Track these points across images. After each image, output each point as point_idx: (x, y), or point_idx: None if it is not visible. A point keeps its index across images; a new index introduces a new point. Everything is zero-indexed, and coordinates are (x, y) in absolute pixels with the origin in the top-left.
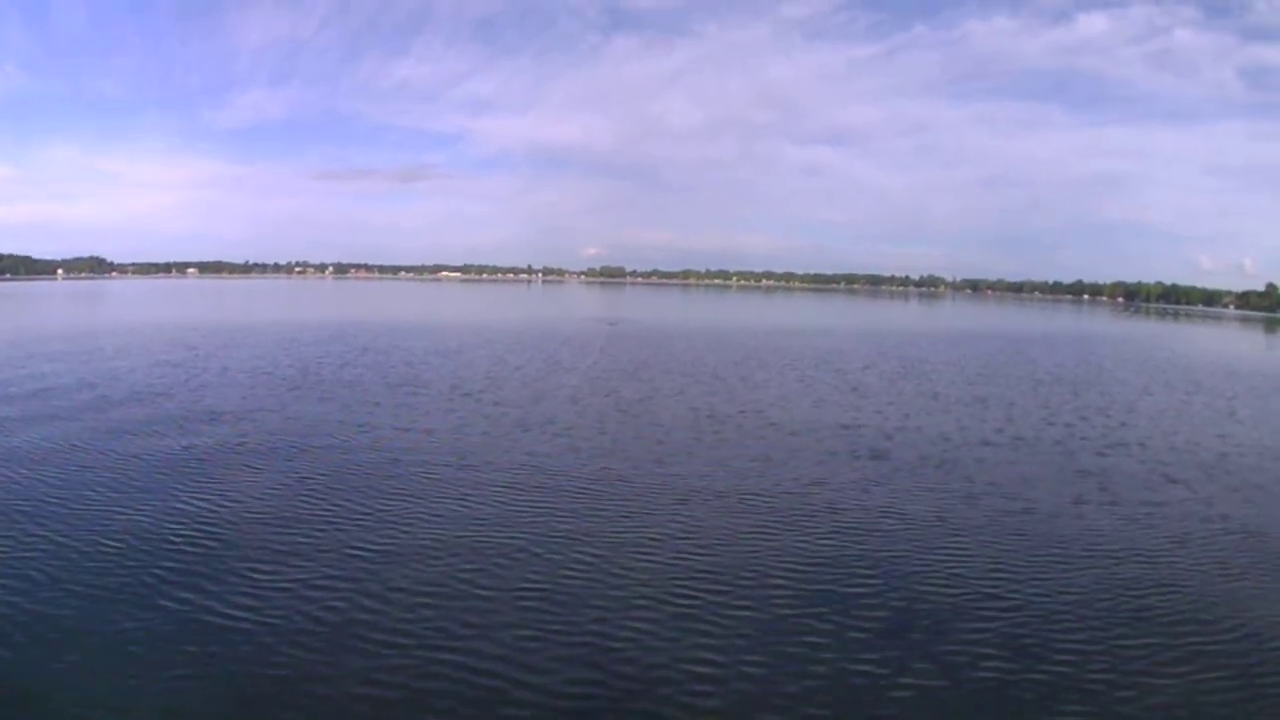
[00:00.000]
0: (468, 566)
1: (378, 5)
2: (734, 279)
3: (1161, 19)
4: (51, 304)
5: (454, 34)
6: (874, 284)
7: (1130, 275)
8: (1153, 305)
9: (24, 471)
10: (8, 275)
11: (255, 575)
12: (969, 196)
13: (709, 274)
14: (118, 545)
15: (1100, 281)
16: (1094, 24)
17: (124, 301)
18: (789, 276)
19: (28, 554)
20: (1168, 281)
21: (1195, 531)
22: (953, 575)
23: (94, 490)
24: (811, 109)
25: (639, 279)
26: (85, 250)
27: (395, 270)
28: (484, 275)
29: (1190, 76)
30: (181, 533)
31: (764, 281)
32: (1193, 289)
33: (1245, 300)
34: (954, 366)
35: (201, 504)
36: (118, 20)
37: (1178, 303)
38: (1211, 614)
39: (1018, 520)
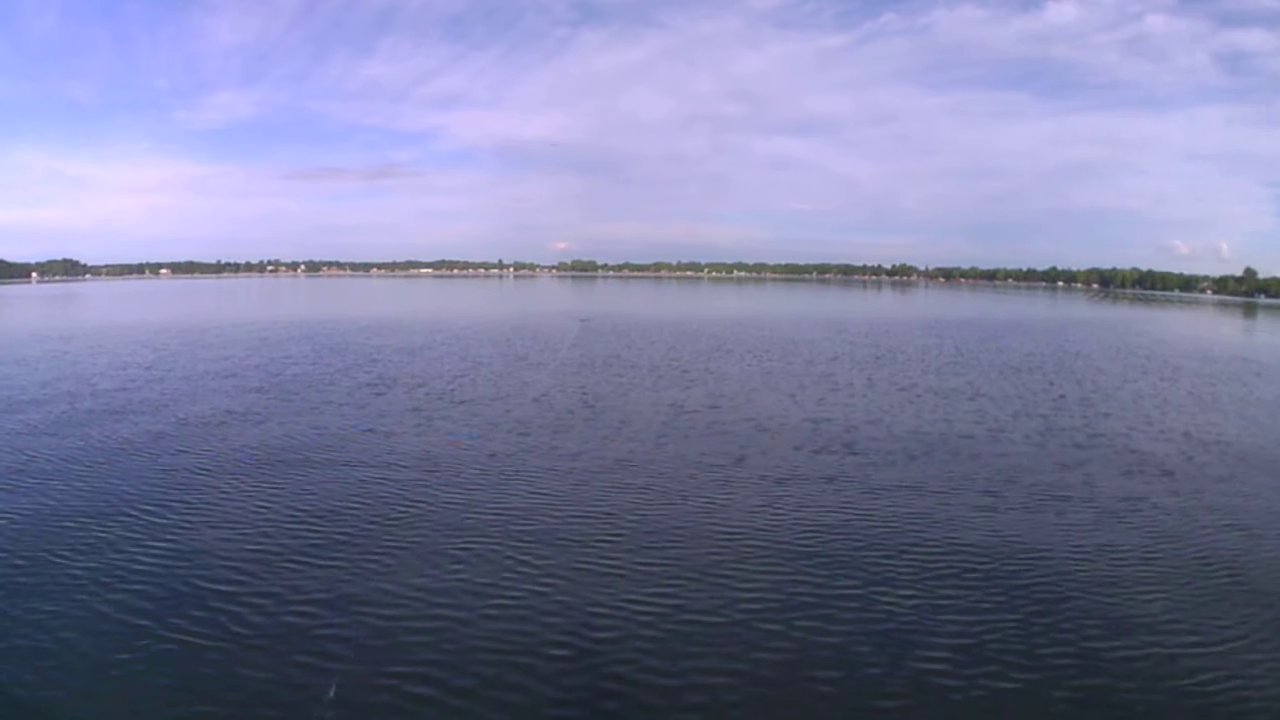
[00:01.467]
0: (429, 569)
1: (344, 4)
2: (706, 271)
3: (1133, 5)
4: (23, 307)
5: (421, 32)
6: (846, 274)
7: (1106, 262)
8: (1128, 291)
9: None
10: None
11: (219, 588)
12: (942, 185)
13: (680, 266)
14: (67, 554)
15: (1075, 268)
16: (1064, 11)
17: (96, 303)
18: (761, 267)
19: None
20: (1144, 268)
21: (1179, 526)
22: (921, 578)
23: (49, 495)
24: (781, 100)
25: (611, 272)
26: (59, 253)
27: (367, 268)
28: (456, 271)
29: (1164, 63)
30: (133, 537)
31: (736, 273)
32: (1169, 275)
33: (1223, 285)
34: (925, 355)
35: (156, 510)
36: (87, 23)
37: (1154, 288)
38: (1200, 614)
39: (993, 518)
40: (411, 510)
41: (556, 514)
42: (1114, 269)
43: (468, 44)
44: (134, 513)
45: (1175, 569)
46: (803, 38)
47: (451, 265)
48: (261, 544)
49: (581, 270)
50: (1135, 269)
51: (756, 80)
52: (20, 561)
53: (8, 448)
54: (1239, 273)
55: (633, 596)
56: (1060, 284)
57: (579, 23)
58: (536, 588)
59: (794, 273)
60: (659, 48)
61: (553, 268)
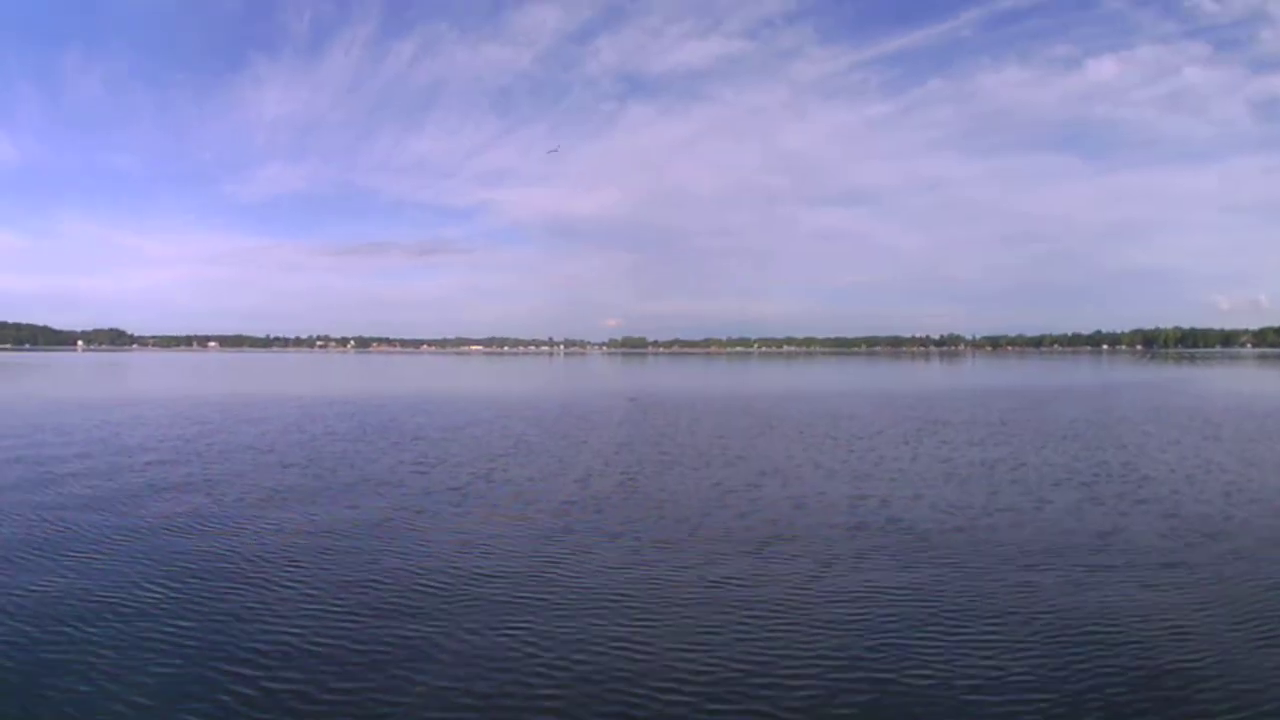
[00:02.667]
0: (467, 652)
1: (391, 79)
2: (755, 346)
3: (1171, 58)
4: (68, 375)
5: (469, 106)
6: (895, 345)
7: (1148, 321)
8: (1171, 350)
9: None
10: (28, 345)
11: (246, 672)
12: (987, 252)
13: (730, 342)
14: (95, 632)
15: (1119, 330)
16: (1104, 69)
17: (141, 374)
18: (810, 341)
19: None
20: (1185, 325)
21: (1222, 590)
22: (959, 653)
23: (75, 572)
24: (828, 170)
25: (661, 349)
26: (105, 322)
27: (418, 344)
28: (506, 348)
29: (1201, 114)
30: (162, 617)
31: (785, 347)
32: (1210, 331)
33: (1262, 337)
34: (969, 425)
35: (184, 591)
36: (132, 94)
37: (1195, 345)
38: (1242, 678)
39: (1033, 592)
40: (448, 591)
41: (591, 595)
42: (1156, 329)
43: (515, 119)
44: (162, 593)
45: (1218, 632)
46: (849, 107)
47: (502, 342)
48: (291, 632)
49: (632, 347)
50: (1177, 328)
51: (803, 151)
52: (51, 639)
53: (39, 520)
54: (1278, 324)
55: (669, 679)
56: (1105, 347)
57: (626, 96)
58: (574, 664)
59: (843, 346)
60: (706, 121)
61: (603, 344)
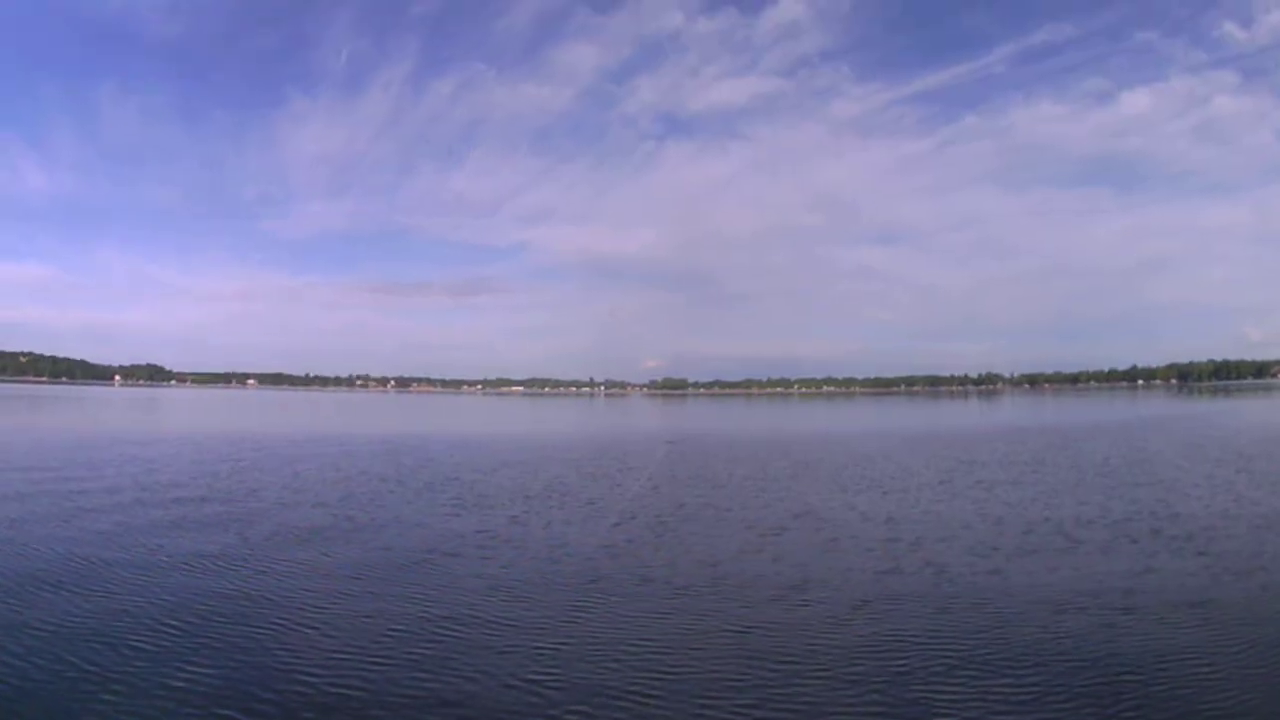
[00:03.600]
0: (497, 694)
1: (430, 117)
2: (795, 386)
3: (1201, 88)
4: (104, 409)
5: (510, 146)
6: (933, 384)
7: (1183, 355)
8: (1205, 384)
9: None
10: (65, 379)
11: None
12: (1024, 288)
13: (770, 383)
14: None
15: (1154, 365)
16: (1137, 101)
17: (178, 410)
18: (849, 381)
19: None
20: (1219, 357)
21: (1255, 639)
22: (990, 699)
23: (95, 606)
24: (864, 209)
25: (701, 390)
26: (143, 357)
27: (458, 384)
28: (547, 390)
29: (1231, 144)
30: (183, 658)
31: (824, 388)
32: (1242, 363)
33: None
34: (1004, 464)
35: (204, 632)
36: (169, 129)
37: (1229, 378)
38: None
39: (1065, 635)
40: (474, 639)
41: (618, 644)
42: (1190, 363)
43: (555, 157)
44: (180, 634)
45: (1252, 676)
46: (885, 145)
47: (543, 383)
48: (311, 678)
49: (672, 389)
50: (1211, 360)
51: (840, 189)
52: (64, 677)
53: (60, 555)
54: None
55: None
56: (1140, 382)
57: (664, 136)
58: (597, 717)
59: (882, 386)
60: (744, 159)
61: (643, 386)
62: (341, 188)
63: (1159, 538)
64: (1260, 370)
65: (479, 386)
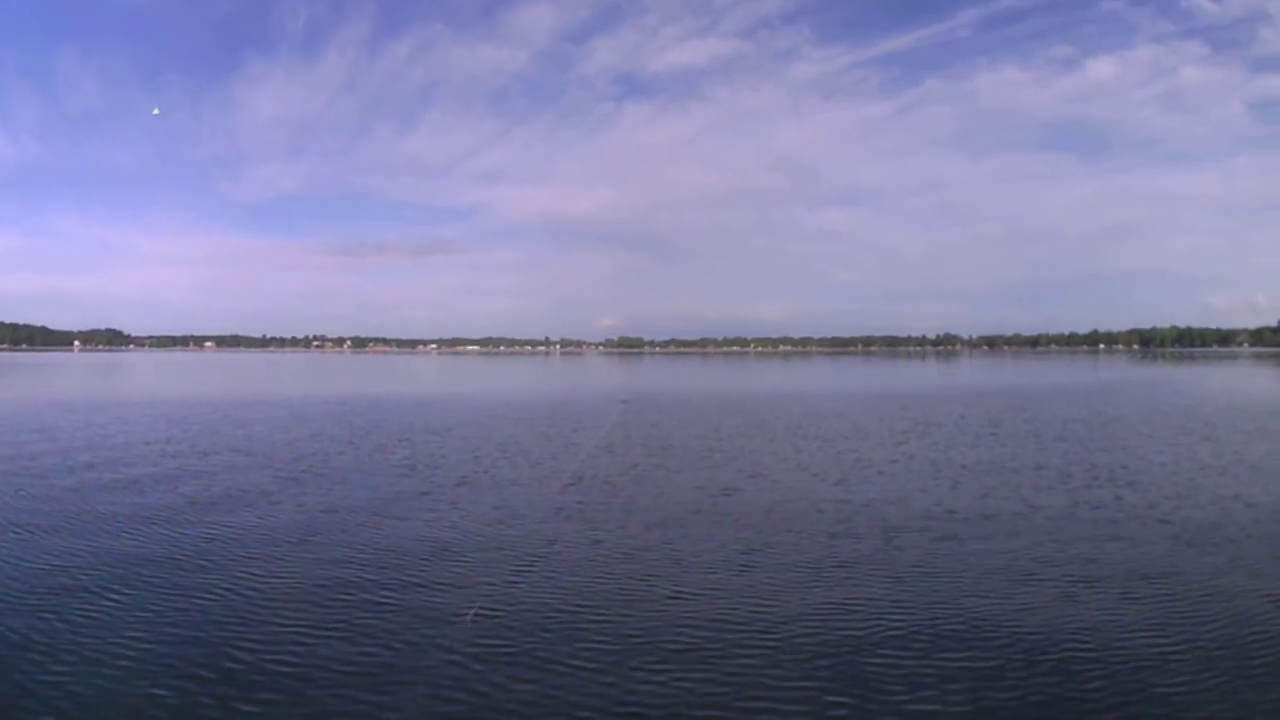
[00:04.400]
0: (442, 657)
1: (387, 78)
2: (752, 346)
3: (1168, 58)
4: (61, 376)
5: (465, 107)
6: (891, 345)
7: (1145, 321)
8: (1168, 350)
9: None
10: (25, 346)
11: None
12: (985, 252)
13: (727, 342)
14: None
15: (1116, 330)
16: (1103, 69)
17: (134, 374)
18: (806, 341)
19: None
20: (1182, 325)
21: (1213, 612)
22: (942, 666)
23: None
24: (825, 171)
25: (657, 349)
26: (102, 322)
27: (414, 344)
28: (503, 348)
29: (1199, 114)
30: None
31: (781, 347)
32: (1206, 330)
33: (1259, 337)
34: (960, 426)
35: (141, 592)
36: (127, 93)
37: (1192, 345)
38: (1234, 689)
39: (1022, 606)
40: (418, 601)
41: (563, 606)
42: (1153, 328)
43: (511, 119)
44: (124, 597)
45: (1210, 648)
46: (845, 107)
47: (498, 342)
48: (246, 646)
49: (628, 347)
50: (1174, 327)
51: (800, 152)
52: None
53: (4, 521)
54: (1274, 323)
55: (634, 692)
56: (1102, 346)
57: (622, 97)
58: (539, 677)
59: (839, 345)
60: (703, 121)
61: (599, 344)
62: (298, 150)
63: (1120, 505)
64: (1225, 339)
65: (434, 346)
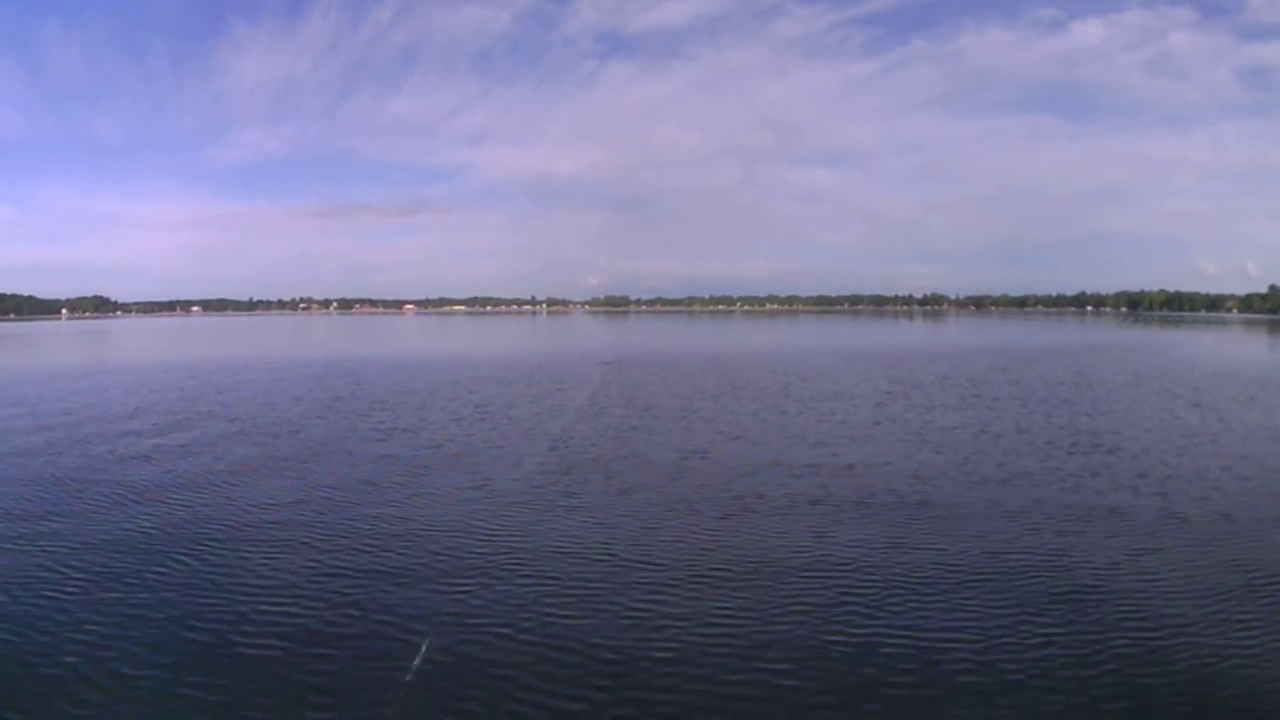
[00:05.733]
0: (433, 615)
1: (369, 40)
2: (738, 304)
3: (1157, 22)
4: (47, 344)
5: (448, 68)
6: (878, 304)
7: (1133, 284)
8: (1156, 313)
9: None
10: (12, 315)
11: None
12: (971, 213)
13: (713, 300)
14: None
15: (1103, 292)
16: (1090, 31)
17: (119, 341)
18: (793, 300)
19: None
20: (1170, 289)
21: (1191, 565)
22: (921, 619)
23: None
24: (810, 130)
25: (643, 307)
26: (89, 290)
27: (400, 305)
28: (489, 308)
29: (1187, 80)
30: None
31: (768, 306)
32: (1195, 295)
33: (1248, 304)
34: (944, 386)
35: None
36: (112, 62)
37: (1181, 309)
38: (1221, 681)
39: (996, 571)
40: (406, 558)
41: (547, 558)
42: (1142, 291)
43: (495, 79)
44: (100, 561)
45: (1187, 601)
46: (830, 66)
47: (484, 302)
48: (223, 608)
49: (614, 306)
50: (1163, 290)
51: (785, 111)
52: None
53: None
54: (1264, 290)
55: (613, 648)
56: (1089, 308)
57: (606, 55)
58: (516, 633)
59: (826, 304)
60: (687, 80)
61: (585, 303)
62: (282, 114)
63: (1107, 474)
64: (1214, 303)
65: (411, 307)
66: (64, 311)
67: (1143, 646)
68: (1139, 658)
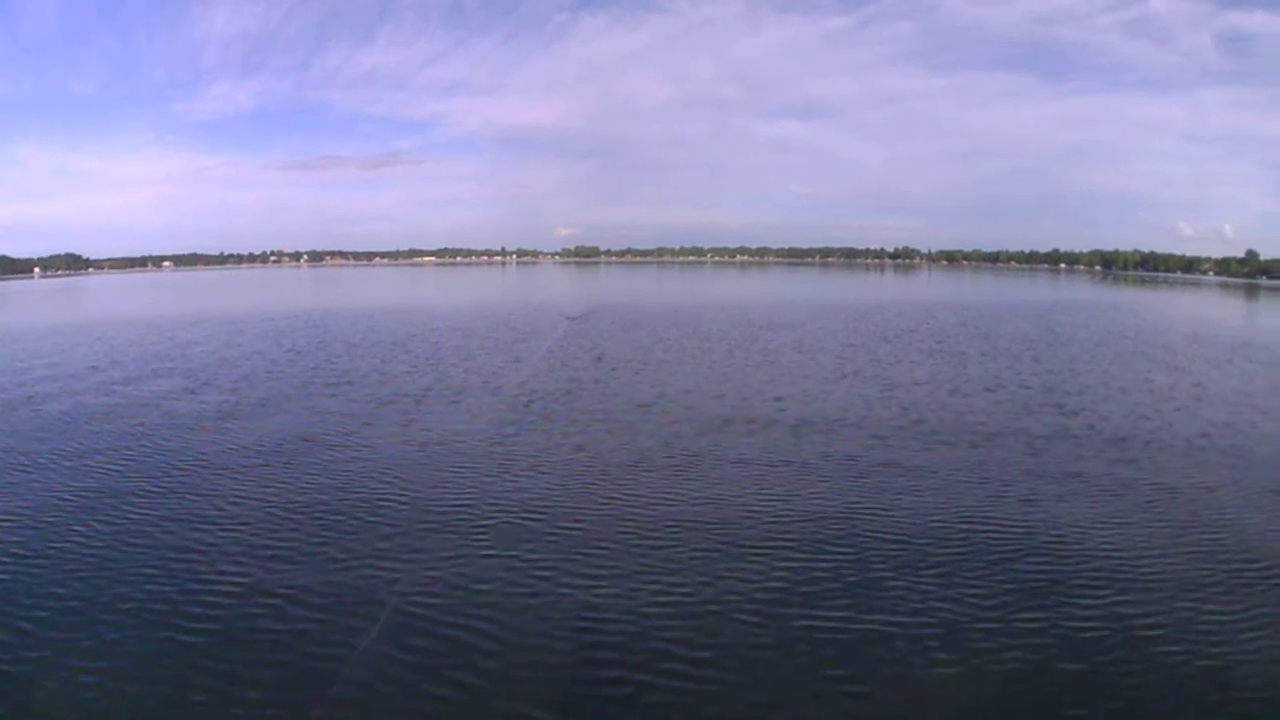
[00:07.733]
0: (402, 565)
1: None
2: (708, 255)
3: None
4: (14, 303)
5: (421, 18)
6: (849, 257)
7: (1109, 244)
8: (1130, 273)
9: None
10: None
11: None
12: (945, 168)
13: (684, 251)
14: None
15: (1078, 250)
16: None
17: (89, 298)
18: (764, 251)
19: None
20: (1146, 249)
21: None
22: (879, 569)
23: None
24: (783, 83)
25: (613, 258)
26: (62, 248)
27: (370, 257)
28: (459, 259)
29: (1166, 44)
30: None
31: (739, 257)
32: (1171, 256)
33: (1225, 266)
34: (912, 339)
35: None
36: (84, 18)
37: (1156, 270)
38: (1184, 631)
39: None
40: (370, 507)
41: (510, 508)
42: (1116, 250)
43: (468, 30)
44: (68, 513)
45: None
46: (804, 20)
47: (455, 253)
48: (210, 553)
49: (585, 256)
50: (1138, 250)
51: (758, 64)
52: None
53: None
54: (1241, 254)
55: (602, 585)
56: (1063, 266)
57: (579, 7)
58: (501, 575)
59: (797, 256)
60: (660, 32)
61: (556, 254)
62: (254, 66)
63: (1073, 426)
64: (1189, 265)
65: (382, 259)
66: (36, 270)
67: (1105, 611)
68: (1100, 620)
